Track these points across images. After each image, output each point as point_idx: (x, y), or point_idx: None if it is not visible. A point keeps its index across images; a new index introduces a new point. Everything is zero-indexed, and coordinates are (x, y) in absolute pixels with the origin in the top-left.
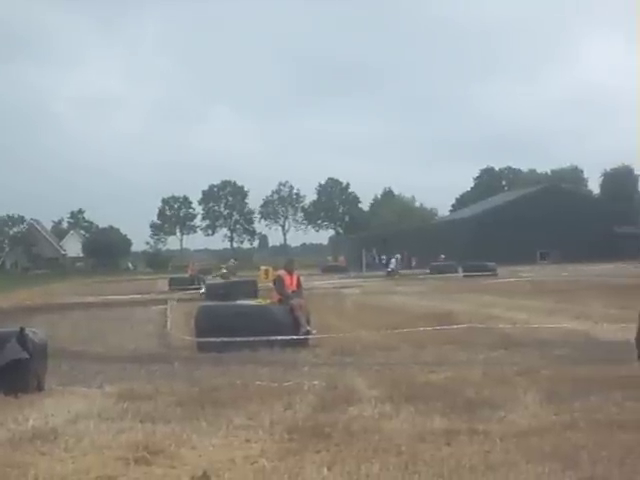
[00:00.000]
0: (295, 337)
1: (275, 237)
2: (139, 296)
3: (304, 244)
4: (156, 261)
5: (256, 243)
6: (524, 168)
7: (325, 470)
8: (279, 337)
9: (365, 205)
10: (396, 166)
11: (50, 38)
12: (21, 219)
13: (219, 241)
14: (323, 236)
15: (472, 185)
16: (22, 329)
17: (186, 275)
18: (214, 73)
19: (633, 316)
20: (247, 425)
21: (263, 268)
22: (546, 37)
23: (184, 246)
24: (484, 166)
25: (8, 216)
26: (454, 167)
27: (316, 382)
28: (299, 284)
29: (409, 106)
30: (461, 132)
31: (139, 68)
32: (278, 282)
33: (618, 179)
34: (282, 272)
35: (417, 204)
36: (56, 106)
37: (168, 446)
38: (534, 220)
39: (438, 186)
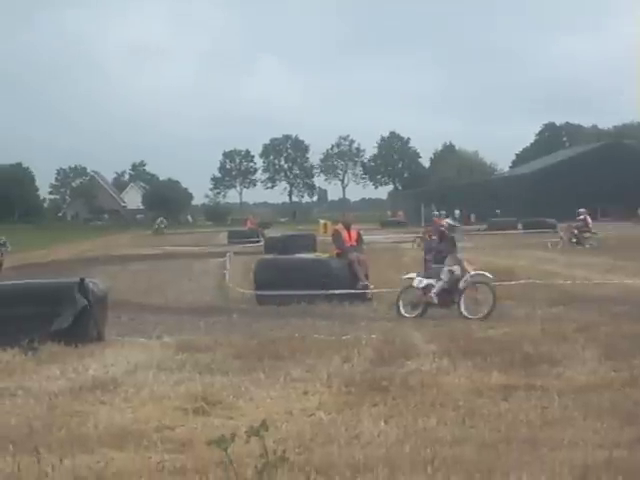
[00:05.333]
0: (353, 291)
1: (334, 192)
2: (198, 248)
3: (363, 199)
4: (215, 214)
5: (315, 197)
6: (587, 124)
7: (382, 423)
8: (337, 291)
9: (425, 160)
10: (458, 120)
11: None
12: (83, 171)
13: (278, 195)
14: (382, 191)
15: (532, 141)
16: (82, 280)
17: (244, 228)
18: (265, 22)
19: None
20: (305, 378)
21: (322, 222)
22: None
23: (243, 200)
24: (546, 121)
25: (70, 168)
26: (517, 122)
27: (374, 336)
28: (359, 239)
29: (472, 59)
30: (525, 86)
31: (187, 18)
32: (336, 237)
33: None
34: (340, 226)
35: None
36: (109, 61)
37: (226, 397)
38: (595, 177)
39: (500, 141)
